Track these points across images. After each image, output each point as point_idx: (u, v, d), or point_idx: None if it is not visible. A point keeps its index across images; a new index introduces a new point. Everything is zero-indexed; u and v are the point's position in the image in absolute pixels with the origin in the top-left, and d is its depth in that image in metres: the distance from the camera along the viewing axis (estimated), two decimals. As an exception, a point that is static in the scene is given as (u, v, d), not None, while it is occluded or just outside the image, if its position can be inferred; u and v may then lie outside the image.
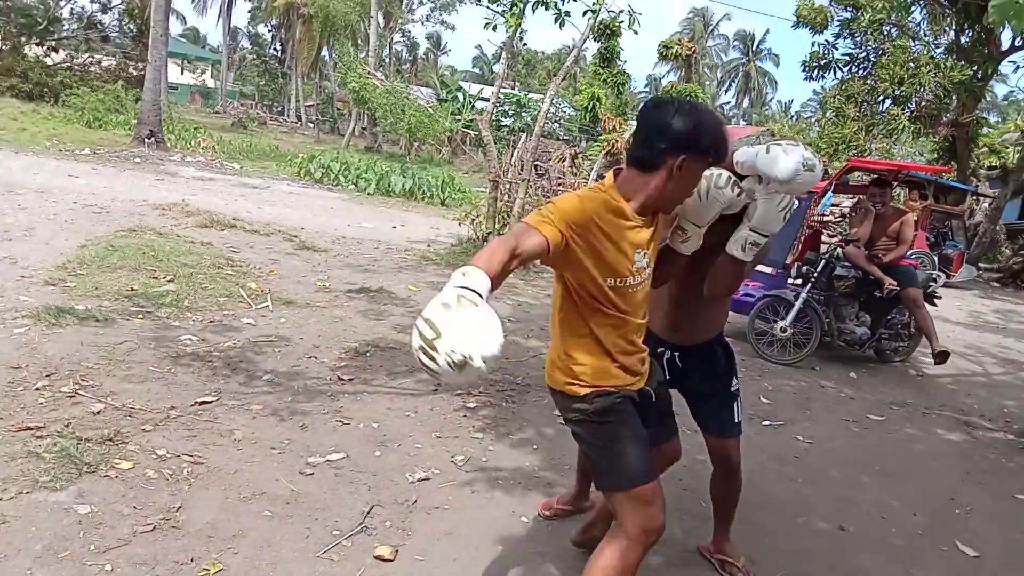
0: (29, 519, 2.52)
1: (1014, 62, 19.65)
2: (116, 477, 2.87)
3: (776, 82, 72.42)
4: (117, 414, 3.41)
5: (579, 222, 1.85)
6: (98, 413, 3.39)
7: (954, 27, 16.06)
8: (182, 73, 48.55)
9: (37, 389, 3.54)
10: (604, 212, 1.92)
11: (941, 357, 5.92)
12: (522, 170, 11.30)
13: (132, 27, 28.96)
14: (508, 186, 11.80)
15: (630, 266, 1.97)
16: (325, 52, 40.67)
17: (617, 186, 1.99)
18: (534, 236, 1.78)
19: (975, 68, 14.99)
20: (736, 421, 2.69)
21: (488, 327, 1.50)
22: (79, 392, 3.57)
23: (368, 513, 2.87)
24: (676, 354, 2.63)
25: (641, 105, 2.07)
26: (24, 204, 8.05)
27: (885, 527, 3.38)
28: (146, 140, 17.06)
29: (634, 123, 10.32)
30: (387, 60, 45.61)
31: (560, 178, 16.83)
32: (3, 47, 25.89)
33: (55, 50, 27.32)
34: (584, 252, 1.89)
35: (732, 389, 2.68)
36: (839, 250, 6.30)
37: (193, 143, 19.68)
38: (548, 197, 15.48)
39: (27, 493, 2.66)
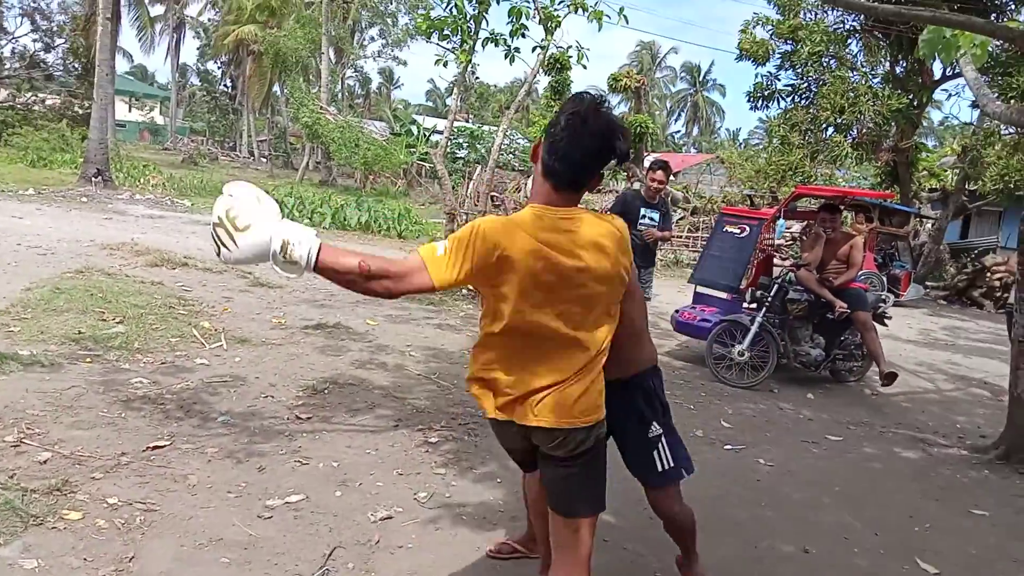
0: (-30, 578, 2.40)
1: (947, 90, 20.61)
2: (65, 528, 2.75)
3: (724, 111, 74.56)
4: (65, 462, 3.28)
5: None
6: (45, 462, 3.26)
7: (889, 58, 16.76)
8: (130, 110, 47.90)
9: (-22, 439, 3.38)
10: None
11: (889, 379, 6.05)
12: (478, 201, 11.35)
13: (77, 65, 28.47)
14: (464, 217, 11.84)
15: None
16: (277, 88, 40.52)
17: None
18: None
19: (911, 96, 15.62)
20: (660, 470, 2.52)
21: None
22: (24, 441, 3.43)
23: (330, 556, 2.80)
24: None
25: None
26: (-36, 247, 7.78)
27: (848, 548, 3.42)
28: (93, 179, 16.68)
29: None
30: (339, 95, 45.60)
31: (516, 207, 16.94)
32: (-58, 86, 25.25)
33: (-4, 90, 26.72)
34: None
35: (650, 435, 2.51)
36: (791, 274, 6.44)
37: (142, 181, 19.33)
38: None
39: (-32, 550, 2.53)
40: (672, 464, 2.52)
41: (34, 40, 28.39)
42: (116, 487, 3.12)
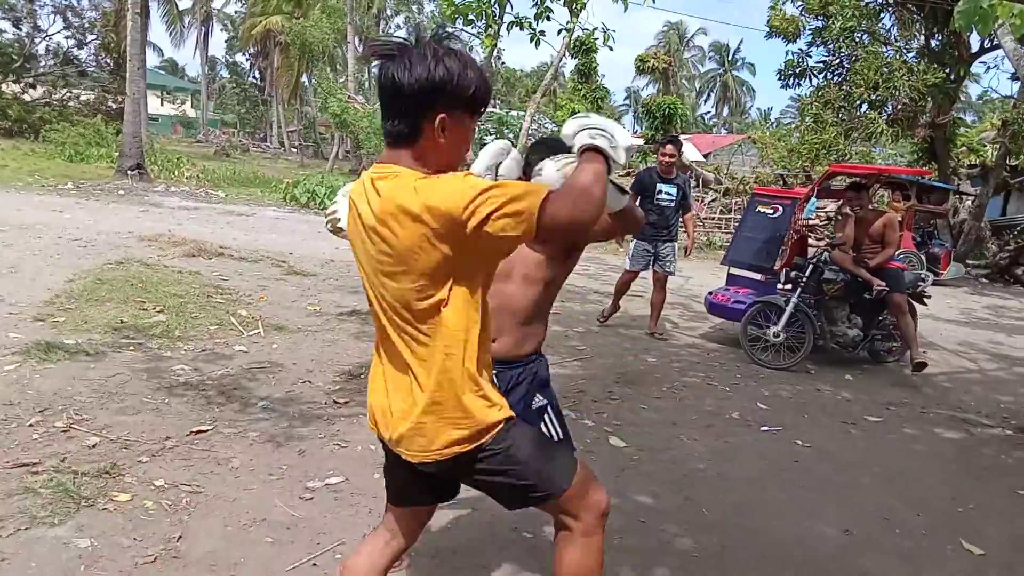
0: (28, 555, 2.48)
1: (985, 63, 20.04)
2: (115, 510, 2.83)
3: (754, 90, 73.28)
4: (113, 447, 3.37)
5: None
6: (93, 447, 3.35)
7: (924, 31, 16.33)
8: (162, 104, 48.60)
9: (31, 425, 3.49)
10: None
11: (918, 367, 5.94)
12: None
13: (109, 61, 28.92)
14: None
15: None
16: (305, 78, 40.78)
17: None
18: None
19: (947, 70, 15.23)
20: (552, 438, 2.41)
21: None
22: (73, 426, 3.53)
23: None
24: None
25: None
26: (8, 240, 7.97)
27: (889, 529, 3.38)
28: (129, 172, 16.98)
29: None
30: (367, 84, 45.77)
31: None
32: (-19, 85, 25.85)
33: (33, 86, 27.25)
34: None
35: (534, 405, 2.39)
36: (826, 254, 6.35)
37: (177, 173, 19.61)
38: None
39: (25, 529, 2.62)
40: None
41: (67, 37, 28.95)
42: (162, 470, 3.20)
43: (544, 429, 2.39)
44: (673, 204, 6.53)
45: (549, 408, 2.43)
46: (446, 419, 1.67)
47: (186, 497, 2.99)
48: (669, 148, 6.51)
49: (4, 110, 24.93)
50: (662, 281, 6.76)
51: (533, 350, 2.37)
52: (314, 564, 2.64)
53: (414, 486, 1.92)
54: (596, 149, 1.64)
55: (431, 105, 1.60)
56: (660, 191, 6.46)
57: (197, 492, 3.04)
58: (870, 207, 6.49)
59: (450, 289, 1.62)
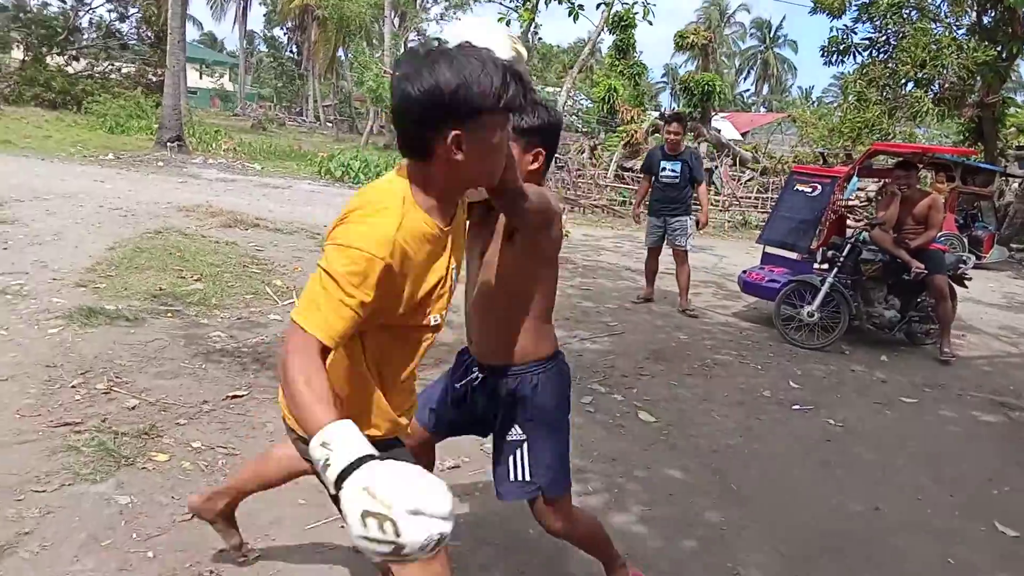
0: (73, 510, 2.57)
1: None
2: (153, 469, 2.91)
3: (796, 68, 71.85)
4: (151, 409, 3.46)
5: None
6: (133, 408, 3.44)
7: (976, 7, 15.76)
8: (201, 77, 49.08)
9: (73, 387, 3.60)
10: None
11: (945, 360, 5.85)
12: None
13: (150, 34, 29.25)
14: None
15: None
16: (341, 53, 40.84)
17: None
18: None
19: (999, 48, 14.69)
20: (513, 479, 2.09)
21: (419, 476, 1.16)
22: (113, 389, 3.63)
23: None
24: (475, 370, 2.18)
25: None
26: (52, 209, 8.16)
27: (921, 508, 3.34)
28: (168, 144, 17.24)
29: (653, 114, 10.27)
30: (403, 59, 45.61)
31: (579, 170, 16.78)
32: (26, 58, 26.32)
33: (76, 59, 27.69)
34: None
35: (509, 437, 2.09)
36: (865, 234, 6.21)
37: (214, 146, 19.86)
38: (568, 188, 15.47)
39: (69, 485, 2.72)
40: (527, 477, 2.07)
41: (109, 10, 29.27)
42: (199, 432, 3.29)
43: (511, 462, 2.09)
44: (678, 180, 6.66)
45: (525, 445, 2.08)
46: None
47: (222, 459, 3.07)
48: (674, 126, 6.74)
49: (48, 82, 25.37)
50: (681, 256, 6.79)
51: (507, 360, 2.06)
52: (342, 526, 2.69)
53: None
54: None
55: (437, 123, 1.40)
56: (664, 168, 6.69)
57: (232, 454, 3.12)
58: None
59: None
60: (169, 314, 4.92)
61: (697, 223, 6.85)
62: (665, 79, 60.90)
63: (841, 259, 6.05)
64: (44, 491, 2.66)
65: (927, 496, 3.46)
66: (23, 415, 3.25)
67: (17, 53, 27.36)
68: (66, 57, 27.19)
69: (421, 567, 1.58)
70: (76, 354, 4.02)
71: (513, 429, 2.07)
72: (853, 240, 6.15)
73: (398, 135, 1.49)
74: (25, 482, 2.71)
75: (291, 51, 51.68)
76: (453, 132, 1.40)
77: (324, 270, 1.40)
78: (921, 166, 7.17)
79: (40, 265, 5.77)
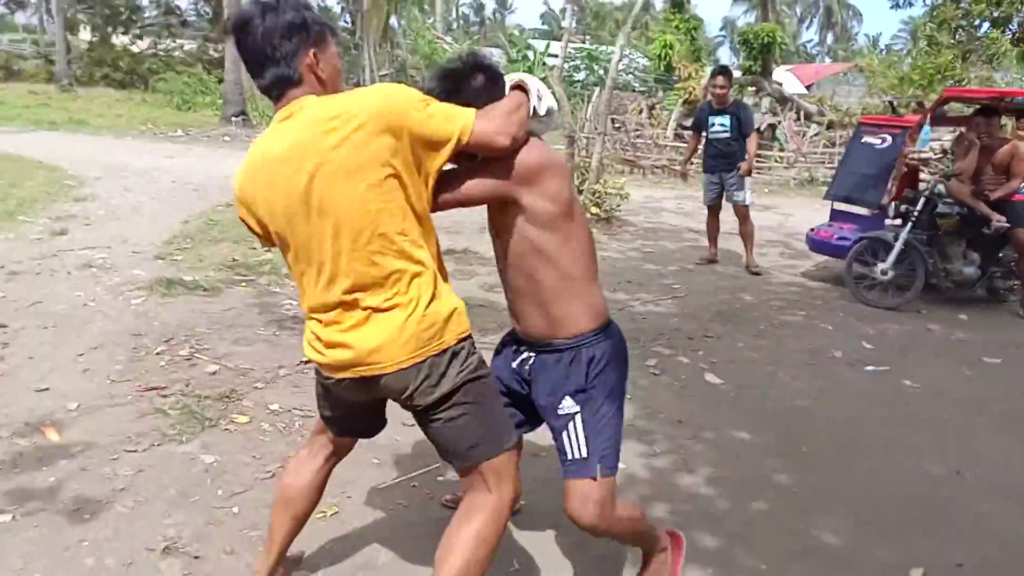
0: (162, 468, 2.72)
1: None
2: (235, 430, 3.05)
3: (861, 15, 68.66)
4: (231, 374, 3.61)
5: None
6: (214, 373, 3.59)
7: (1061, -61, 14.72)
8: (259, 51, 49.79)
9: (158, 353, 3.78)
10: None
11: None
12: (598, 124, 11.14)
13: (208, 10, 29.81)
14: (584, 141, 11.67)
15: None
16: (394, 21, 40.83)
17: None
18: None
19: (1087, -19, 13.72)
20: (572, 457, 1.93)
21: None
22: (195, 355, 3.79)
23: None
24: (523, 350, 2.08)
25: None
26: (128, 186, 8.49)
27: (1007, 472, 3.23)
28: (233, 119, 17.64)
29: (709, 69, 9.96)
30: (455, 24, 45.45)
31: (638, 130, 16.48)
32: (93, 39, 27.18)
33: (140, 37, 28.48)
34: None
35: (560, 411, 1.94)
36: (940, 186, 5.95)
37: (276, 119, 20.19)
38: (627, 150, 15.23)
39: (158, 445, 2.87)
40: (585, 454, 1.92)
41: (167, -12, 29.95)
42: (276, 396, 3.41)
43: (565, 438, 1.96)
44: (728, 134, 6.54)
45: (578, 417, 1.93)
46: None
47: (299, 420, 3.19)
48: (720, 80, 6.57)
49: (115, 62, 26.21)
50: (741, 213, 6.66)
51: (550, 335, 1.95)
52: (413, 485, 2.78)
53: None
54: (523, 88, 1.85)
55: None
56: (712, 124, 6.60)
57: (308, 416, 3.22)
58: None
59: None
60: (243, 284, 5.09)
61: (738, 168, 6.63)
62: (723, 33, 58.98)
63: (915, 213, 5.81)
64: (136, 451, 2.82)
65: (1012, 460, 3.34)
66: (113, 380, 3.44)
67: (84, 34, 28.27)
68: (130, 36, 27.99)
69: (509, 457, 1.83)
70: (159, 323, 4.21)
71: (564, 401, 1.94)
72: (928, 193, 5.89)
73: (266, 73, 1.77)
74: (118, 442, 2.87)
75: (345, 20, 51.90)
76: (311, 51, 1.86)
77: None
78: (1001, 112, 6.77)
79: (120, 240, 6.03)
